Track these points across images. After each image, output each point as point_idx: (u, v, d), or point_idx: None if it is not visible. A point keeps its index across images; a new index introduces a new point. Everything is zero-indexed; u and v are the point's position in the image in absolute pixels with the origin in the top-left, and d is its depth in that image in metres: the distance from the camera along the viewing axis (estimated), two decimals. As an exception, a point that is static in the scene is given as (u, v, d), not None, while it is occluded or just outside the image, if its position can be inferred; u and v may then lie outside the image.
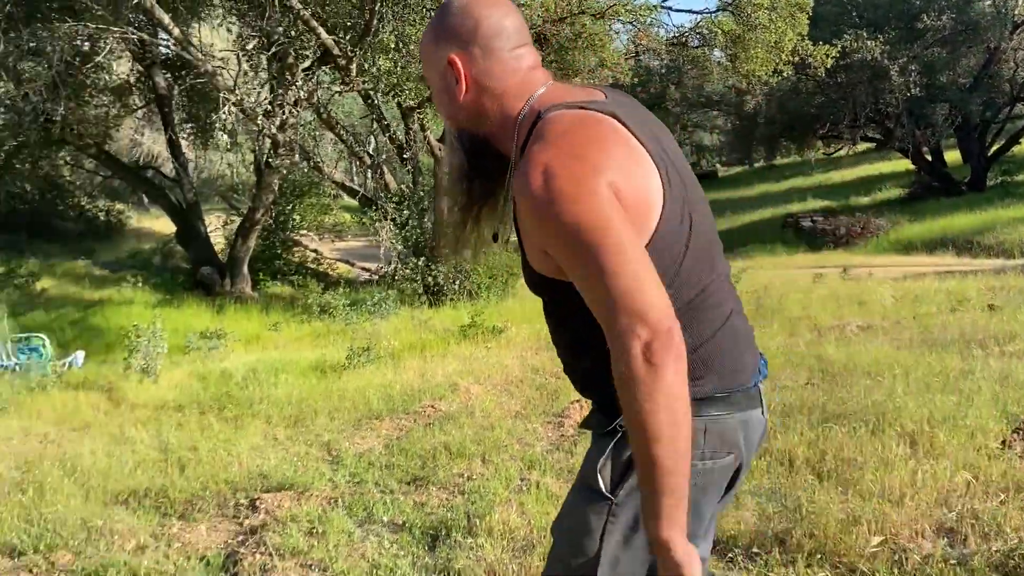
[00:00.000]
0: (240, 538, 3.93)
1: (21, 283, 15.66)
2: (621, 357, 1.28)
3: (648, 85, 38.46)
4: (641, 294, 1.28)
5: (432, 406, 6.52)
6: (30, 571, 3.43)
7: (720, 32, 13.00)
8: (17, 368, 9.39)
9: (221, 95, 10.36)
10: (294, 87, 11.08)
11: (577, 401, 6.21)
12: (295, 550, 3.55)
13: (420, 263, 12.90)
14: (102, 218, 21.78)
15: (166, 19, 11.24)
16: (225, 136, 14.07)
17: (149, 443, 6.18)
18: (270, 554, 3.53)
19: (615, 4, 9.63)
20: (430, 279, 12.84)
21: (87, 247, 20.10)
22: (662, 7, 11.14)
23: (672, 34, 14.40)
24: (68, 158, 20.19)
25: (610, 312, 1.30)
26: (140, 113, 21.10)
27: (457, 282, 12.95)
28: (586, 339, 1.48)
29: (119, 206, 22.72)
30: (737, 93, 22.05)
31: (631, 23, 10.57)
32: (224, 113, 10.41)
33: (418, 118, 10.41)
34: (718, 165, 45.77)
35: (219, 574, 3.46)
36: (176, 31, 11.50)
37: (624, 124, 1.43)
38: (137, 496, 4.58)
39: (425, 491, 4.36)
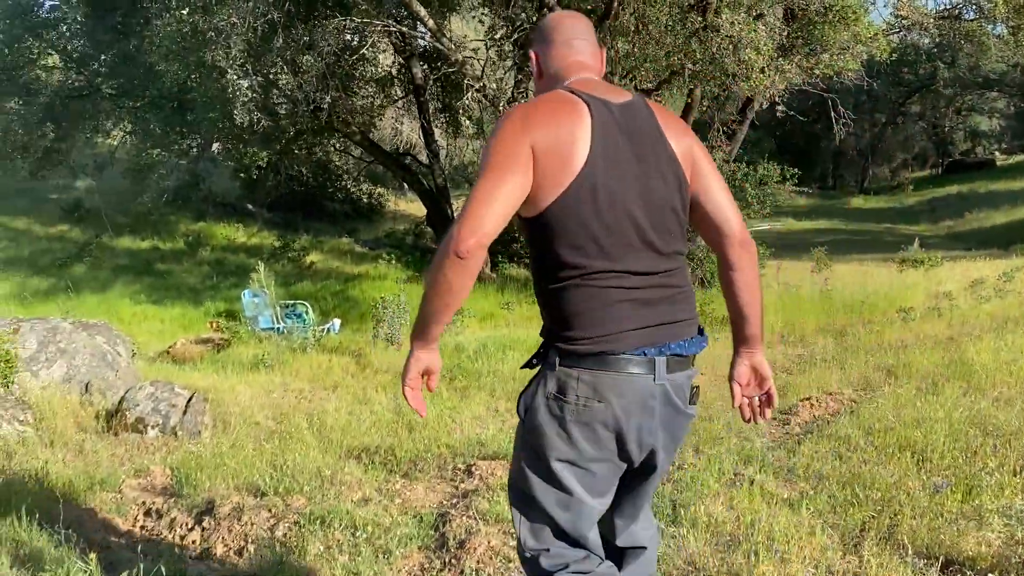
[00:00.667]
0: (453, 500, 4.12)
1: (294, 256, 17.50)
2: (444, 237, 1.77)
3: (916, 65, 35.15)
4: (478, 208, 1.73)
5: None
6: (269, 510, 3.82)
7: (1000, 2, 11.43)
8: (283, 331, 10.52)
9: (466, 82, 10.84)
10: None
11: (808, 399, 5.86)
12: (499, 516, 3.66)
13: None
14: (365, 200, 23.72)
15: (423, 12, 11.95)
16: (469, 122, 14.71)
17: (385, 405, 6.65)
18: (476, 518, 3.66)
19: (872, -29, 8.81)
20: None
21: (351, 226, 22.02)
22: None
23: (942, 6, 12.95)
24: (337, 145, 22.16)
25: (462, 208, 1.78)
26: (401, 103, 22.56)
27: (689, 270, 12.69)
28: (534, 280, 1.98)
29: (380, 189, 24.63)
30: (1021, 72, 19.39)
31: (891, -7, 9.63)
32: (468, 99, 10.89)
33: (655, 100, 10.31)
34: (996, 153, 40.84)
35: (429, 531, 3.64)
36: (431, 23, 12.19)
37: (591, 107, 1.82)
38: (368, 452, 4.95)
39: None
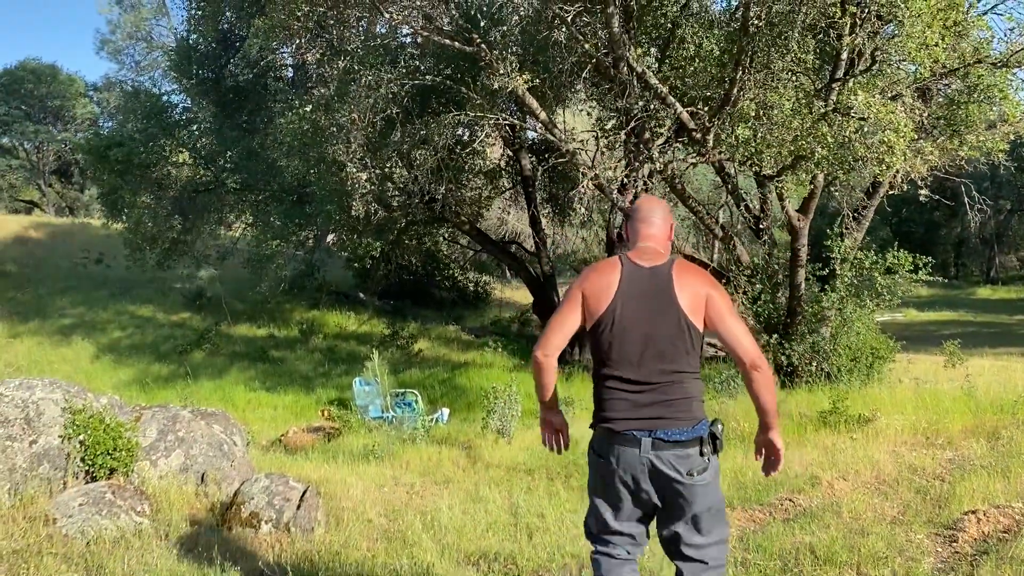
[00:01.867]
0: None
1: (403, 344, 17.61)
2: None
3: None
4: (548, 332, 2.84)
5: (790, 499, 5.90)
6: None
7: None
8: (393, 420, 10.40)
9: (580, 171, 10.78)
10: (649, 161, 11.20)
11: (973, 512, 5.20)
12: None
13: (773, 340, 12.13)
14: (471, 288, 23.92)
15: (535, 105, 12.06)
16: (583, 209, 14.66)
17: (500, 504, 6.33)
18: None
19: (1022, 49, 8.27)
20: (783, 358, 12.00)
21: (457, 314, 22.15)
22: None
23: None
24: (446, 234, 22.56)
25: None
26: (508, 193, 22.85)
27: (814, 363, 11.94)
28: None
29: (485, 277, 24.83)
30: None
31: (1041, 67, 9.06)
32: (582, 187, 10.81)
33: (775, 187, 9.89)
34: None
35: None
36: (543, 115, 12.28)
37: (623, 268, 2.85)
38: (487, 559, 4.63)
39: (788, 599, 3.83)
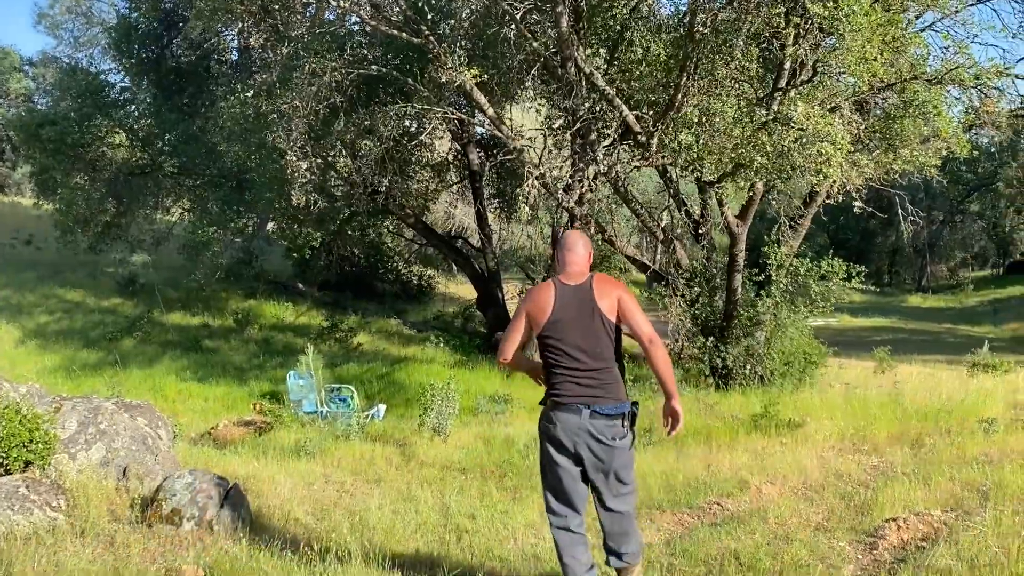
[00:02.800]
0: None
1: (342, 337, 17.36)
2: None
3: (977, 164, 34.62)
4: (504, 343, 3.79)
5: (718, 503, 5.97)
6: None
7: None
8: (328, 416, 10.25)
9: (526, 169, 10.75)
10: (594, 163, 11.24)
11: (894, 519, 5.31)
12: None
13: (708, 343, 12.31)
14: (415, 282, 23.71)
15: (483, 100, 11.99)
16: (527, 208, 14.65)
17: (431, 504, 6.26)
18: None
19: (957, 67, 8.50)
20: (718, 360, 12.19)
21: (400, 307, 21.94)
22: (1008, 73, 9.72)
23: (1016, 105, 12.67)
24: (391, 227, 22.31)
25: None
26: (455, 188, 22.71)
27: (748, 366, 12.15)
28: None
29: (430, 271, 24.65)
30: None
31: (974, 88, 9.29)
32: (528, 187, 10.79)
33: (715, 193, 10.01)
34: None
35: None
36: (491, 111, 12.22)
37: (556, 288, 3.72)
38: (413, 562, 4.57)
39: (711, 607, 3.86)
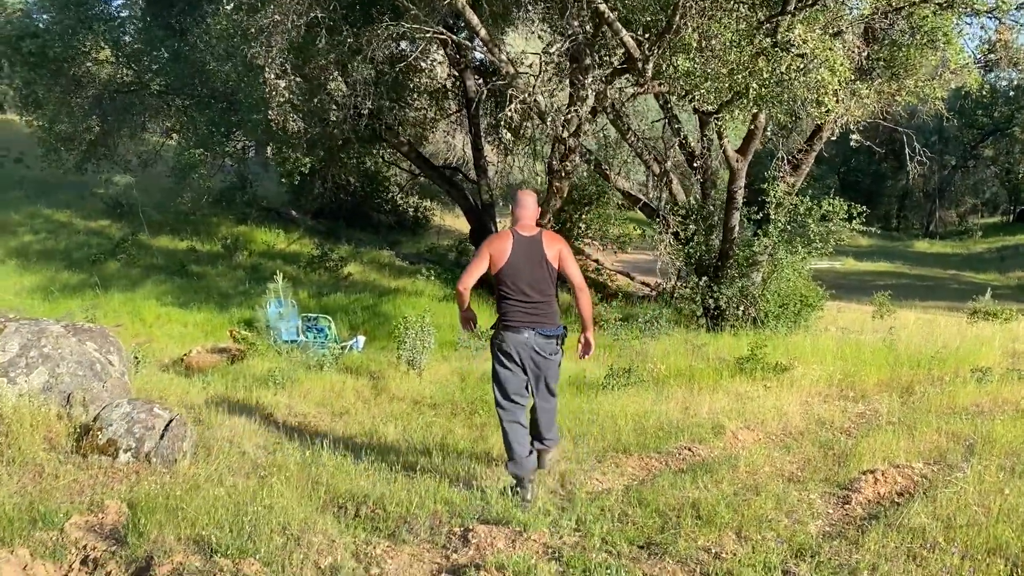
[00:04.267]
0: (441, 576, 3.44)
1: (332, 266, 17.03)
2: None
3: (992, 107, 33.61)
4: (465, 273, 4.68)
5: (689, 448, 5.69)
6: (214, 576, 3.18)
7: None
8: (305, 345, 9.98)
9: (510, 92, 10.23)
10: (583, 88, 10.69)
11: (871, 472, 5.03)
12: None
13: (702, 283, 11.94)
14: (411, 213, 23.26)
15: (475, 20, 11.39)
16: (509, 134, 14.11)
17: (391, 439, 6.02)
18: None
19: (971, -10, 7.87)
20: (711, 301, 11.84)
21: (394, 239, 21.56)
22: (1029, 2, 9.02)
23: (1036, 40, 11.93)
24: (386, 156, 21.76)
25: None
26: (454, 118, 22.04)
27: (741, 307, 11.79)
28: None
29: (427, 203, 24.16)
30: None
31: (989, 16, 8.63)
32: (510, 111, 10.28)
33: (715, 125, 9.50)
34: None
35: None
36: (483, 32, 11.62)
37: (513, 238, 4.64)
38: (355, 501, 4.30)
39: (659, 563, 3.58)
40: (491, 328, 4.83)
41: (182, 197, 16.94)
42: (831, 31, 7.59)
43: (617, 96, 11.10)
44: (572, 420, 6.35)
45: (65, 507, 4.04)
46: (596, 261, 18.14)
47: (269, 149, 19.92)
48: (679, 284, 13.60)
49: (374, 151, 21.09)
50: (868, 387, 8.22)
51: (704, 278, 11.96)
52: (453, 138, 24.34)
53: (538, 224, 4.82)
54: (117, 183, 18.67)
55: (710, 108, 9.58)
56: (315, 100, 12.67)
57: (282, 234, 19.72)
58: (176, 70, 16.79)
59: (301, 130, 12.05)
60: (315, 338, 10.15)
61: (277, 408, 6.81)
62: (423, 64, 18.65)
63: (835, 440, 6.02)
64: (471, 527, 3.93)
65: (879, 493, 4.80)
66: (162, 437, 4.94)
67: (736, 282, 11.73)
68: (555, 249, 4.65)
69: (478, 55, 18.28)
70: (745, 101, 8.35)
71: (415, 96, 19.40)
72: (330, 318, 10.50)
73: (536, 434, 4.83)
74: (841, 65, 7.04)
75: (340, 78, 14.71)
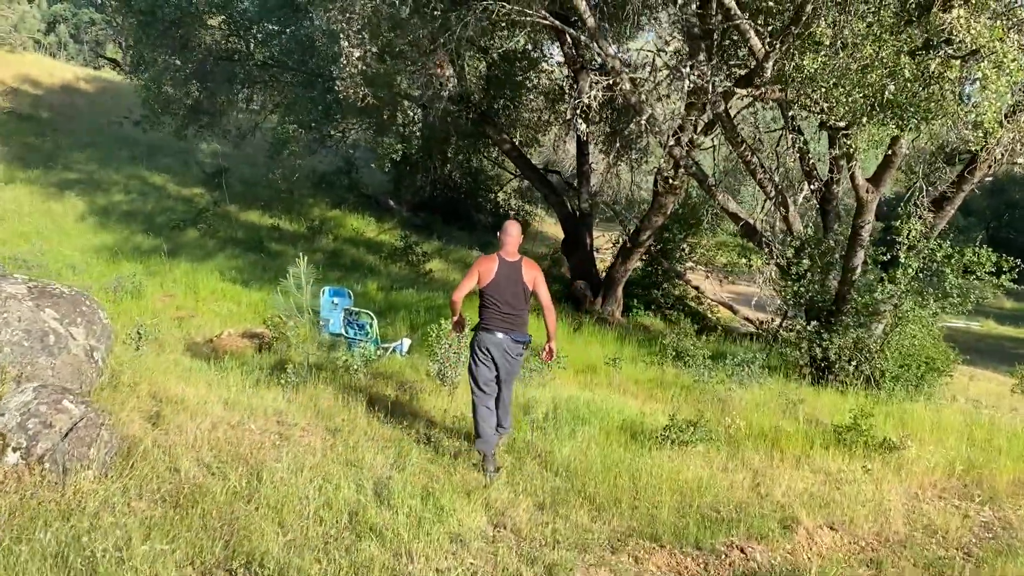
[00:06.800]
0: None
1: (414, 260, 16.18)
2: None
3: None
4: (460, 287, 5.70)
5: (742, 548, 4.28)
6: None
7: None
8: (354, 341, 9.04)
9: (618, 90, 8.88)
10: (708, 98, 9.32)
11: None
12: None
13: (810, 327, 10.29)
14: (511, 216, 22.25)
15: (582, 5, 10.20)
16: (616, 142, 12.81)
17: (368, 477, 4.85)
18: None
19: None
20: (818, 350, 10.17)
21: (487, 240, 20.54)
22: None
23: None
24: (494, 155, 20.85)
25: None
26: (566, 120, 20.87)
27: (854, 362, 10.07)
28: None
29: (529, 207, 23.10)
30: None
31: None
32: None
33: (843, 144, 7.89)
34: None
35: None
36: (591, 20, 10.42)
37: (499, 261, 5.63)
38: (254, 566, 3.17)
39: None
40: (472, 330, 5.77)
41: (273, 173, 16.46)
42: (1006, 23, 5.88)
43: (729, 101, 9.62)
44: (602, 481, 5.04)
45: None
46: (696, 288, 16.51)
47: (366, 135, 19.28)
48: (784, 326, 11.91)
49: (480, 149, 20.26)
50: (1000, 486, 6.47)
51: (814, 322, 10.30)
52: (564, 141, 23.23)
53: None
54: (203, 150, 18.43)
55: (839, 123, 8.00)
56: (398, 79, 11.71)
57: (374, 222, 19.06)
58: (284, 43, 16.34)
59: (359, 101, 11.09)
60: (355, 335, 9.16)
61: (264, 413, 5.79)
62: (540, 61, 17.65)
63: (949, 561, 4.48)
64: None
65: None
66: (64, 438, 3.97)
67: (851, 331, 10.02)
68: (531, 274, 5.65)
69: (598, 59, 17.08)
70: (881, 115, 6.76)
71: (531, 97, 18.41)
72: (372, 315, 9.49)
73: (497, 420, 5.65)
74: (1014, 61, 5.36)
75: (448, 66, 13.82)
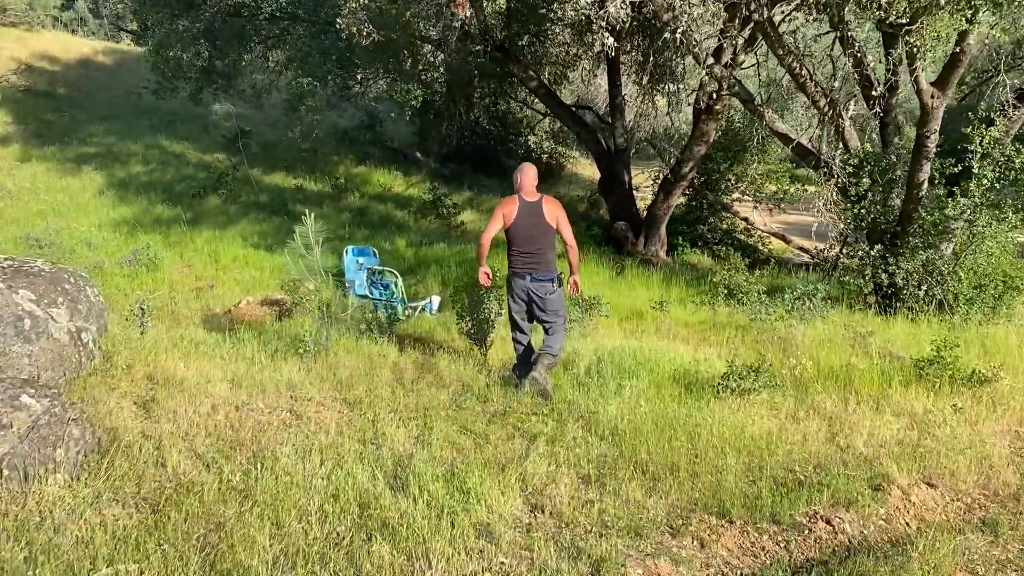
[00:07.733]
0: None
1: (444, 213, 15.50)
2: None
3: None
4: (487, 230, 5.87)
5: (828, 520, 3.59)
6: None
7: None
8: (380, 302, 8.46)
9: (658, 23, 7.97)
10: (746, 11, 8.39)
11: None
12: None
13: (874, 252, 9.41)
14: (544, 160, 21.32)
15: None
16: (652, 71, 11.85)
17: (388, 457, 4.26)
18: None
19: None
20: (884, 276, 9.31)
21: (521, 186, 19.75)
22: None
23: None
24: (522, 96, 19.91)
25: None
26: (596, 53, 19.80)
27: (924, 286, 9.20)
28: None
29: (563, 149, 22.17)
30: None
31: None
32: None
33: (904, 44, 6.92)
34: None
35: None
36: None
37: (519, 202, 5.84)
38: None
39: None
40: (505, 276, 6.03)
41: (293, 132, 15.82)
42: None
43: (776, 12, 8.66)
44: (655, 444, 4.37)
45: None
46: (746, 220, 15.58)
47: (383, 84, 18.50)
48: (844, 252, 11.02)
49: (506, 90, 19.32)
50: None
51: (878, 246, 9.43)
52: (596, 77, 22.17)
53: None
54: (216, 111, 17.84)
55: (900, 19, 7.04)
56: (407, 13, 10.86)
57: (401, 177, 18.37)
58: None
59: (364, 40, 10.33)
60: (380, 295, 8.56)
61: (276, 388, 5.22)
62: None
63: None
64: None
65: None
66: (24, 439, 3.42)
67: (920, 254, 9.15)
68: (553, 213, 5.79)
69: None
70: (951, 4, 5.82)
71: (555, 29, 17.41)
72: (396, 273, 8.87)
73: (543, 343, 5.88)
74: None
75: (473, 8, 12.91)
